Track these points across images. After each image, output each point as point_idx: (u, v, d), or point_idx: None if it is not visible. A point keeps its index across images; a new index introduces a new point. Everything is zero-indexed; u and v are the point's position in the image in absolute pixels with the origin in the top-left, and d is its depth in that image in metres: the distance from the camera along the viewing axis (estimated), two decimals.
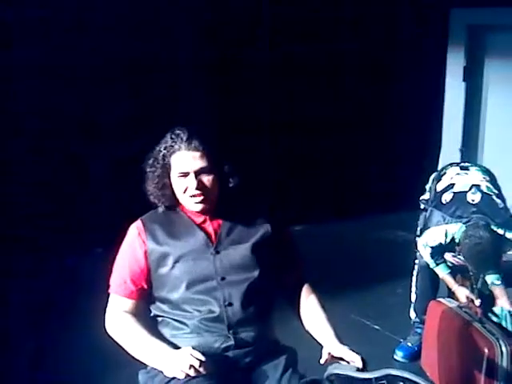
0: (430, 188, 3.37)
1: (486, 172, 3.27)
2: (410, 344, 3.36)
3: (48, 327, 3.46)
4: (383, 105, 5.71)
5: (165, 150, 1.94)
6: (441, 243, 3.02)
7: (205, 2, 5.12)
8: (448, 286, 3.18)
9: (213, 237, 1.98)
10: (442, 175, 3.31)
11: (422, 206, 3.43)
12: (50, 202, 4.49)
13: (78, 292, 3.72)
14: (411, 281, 3.37)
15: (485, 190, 3.06)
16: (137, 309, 1.98)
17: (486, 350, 2.71)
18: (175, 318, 1.93)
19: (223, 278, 1.93)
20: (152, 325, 1.99)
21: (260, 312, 1.97)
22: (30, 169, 4.48)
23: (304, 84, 5.48)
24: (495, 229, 2.90)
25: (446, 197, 3.15)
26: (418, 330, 3.32)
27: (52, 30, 4.45)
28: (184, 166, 1.92)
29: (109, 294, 2.02)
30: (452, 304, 3.03)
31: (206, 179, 1.93)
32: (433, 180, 3.39)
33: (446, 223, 3.03)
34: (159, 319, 1.98)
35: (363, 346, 3.46)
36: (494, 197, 3.05)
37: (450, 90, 5.37)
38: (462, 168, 3.31)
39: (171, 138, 1.94)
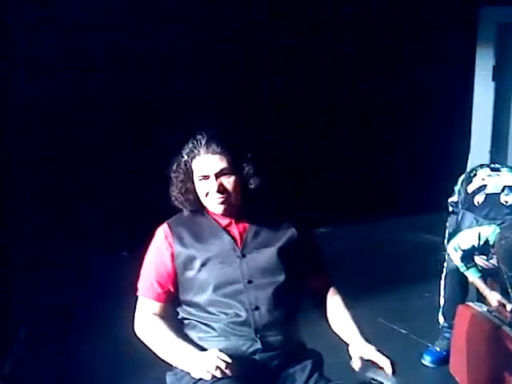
0: (459, 190, 3.32)
1: None
2: (438, 349, 3.31)
3: (73, 330, 3.48)
4: (412, 105, 5.65)
5: (186, 155, 1.97)
6: (473, 246, 2.97)
7: None
8: (478, 290, 3.13)
9: (238, 240, 1.99)
10: (473, 177, 3.25)
11: (451, 209, 3.39)
12: (75, 206, 4.53)
13: (103, 295, 3.74)
14: (439, 284, 3.32)
15: None
16: (165, 311, 1.99)
17: None
18: (202, 320, 1.94)
19: (250, 282, 1.93)
20: (179, 327, 2.00)
21: (286, 316, 1.97)
22: (48, 170, 4.51)
23: (313, 84, 5.46)
24: None
25: (479, 199, 3.10)
26: (447, 335, 3.27)
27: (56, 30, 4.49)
28: (204, 169, 1.94)
29: (137, 297, 2.03)
30: (481, 308, 2.97)
31: (227, 181, 1.94)
32: (462, 182, 3.34)
33: (480, 225, 2.99)
34: (186, 322, 1.99)
35: (390, 350, 3.41)
36: None
37: (479, 89, 5.30)
38: (492, 169, 3.26)
39: (192, 143, 1.97)
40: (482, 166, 3.39)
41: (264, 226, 2.01)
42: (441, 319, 3.34)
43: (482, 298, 3.12)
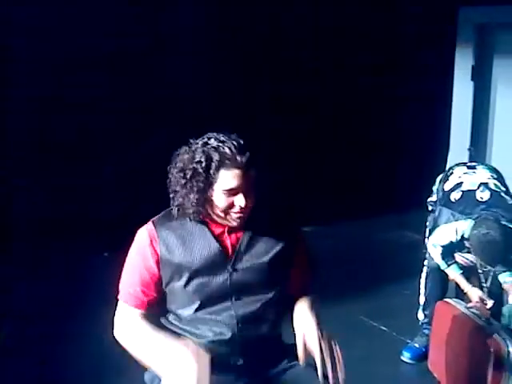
0: (437, 189, 3.37)
1: (493, 170, 3.28)
2: (417, 345, 3.35)
3: (56, 331, 3.46)
4: (390, 104, 5.70)
5: (210, 162, 1.79)
6: (451, 241, 3.02)
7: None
8: (458, 287, 3.17)
9: (230, 251, 1.87)
10: (450, 175, 3.31)
11: (430, 208, 3.43)
12: (57, 206, 4.51)
13: (84, 296, 3.73)
14: (419, 282, 3.36)
15: (493, 187, 3.09)
16: (146, 318, 1.88)
17: (493, 351, 2.71)
18: (185, 334, 1.86)
19: (238, 299, 1.86)
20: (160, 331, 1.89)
21: (272, 329, 1.93)
22: (35, 171, 4.50)
23: (309, 85, 5.49)
24: (506, 224, 2.89)
25: (455, 195, 3.16)
26: (426, 331, 3.31)
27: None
28: (234, 183, 1.79)
29: (117, 300, 1.94)
30: (459, 305, 3.02)
31: (251, 197, 1.83)
32: (440, 181, 3.39)
33: (456, 220, 3.04)
34: (170, 324, 1.92)
35: (371, 346, 3.48)
36: (503, 194, 3.07)
37: (459, 89, 5.35)
38: (468, 167, 3.32)
39: (219, 153, 1.78)
40: (458, 164, 3.45)
41: (258, 237, 1.90)
42: (421, 316, 3.38)
43: (461, 295, 3.16)
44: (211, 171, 1.79)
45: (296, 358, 1.86)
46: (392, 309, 3.94)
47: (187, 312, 1.86)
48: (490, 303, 2.95)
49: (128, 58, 4.81)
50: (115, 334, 1.92)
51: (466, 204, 3.07)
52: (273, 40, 5.46)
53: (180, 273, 1.84)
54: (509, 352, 2.70)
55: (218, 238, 1.87)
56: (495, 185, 3.10)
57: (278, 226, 1.94)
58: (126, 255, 1.97)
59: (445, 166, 4.74)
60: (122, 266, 1.98)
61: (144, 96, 4.85)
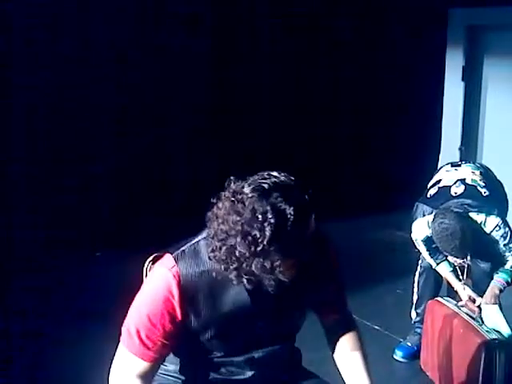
0: None
1: (480, 167, 3.30)
2: (409, 344, 3.38)
3: (49, 331, 3.47)
4: (382, 105, 5.74)
5: (282, 220, 1.43)
6: (427, 236, 3.04)
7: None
8: (450, 285, 3.20)
9: (264, 307, 1.63)
10: (435, 174, 3.36)
11: None
12: (49, 205, 4.51)
13: (77, 295, 3.73)
14: (413, 281, 3.39)
15: (469, 182, 3.11)
16: (151, 370, 1.65)
17: (484, 349, 2.73)
18: (201, 363, 1.73)
19: (262, 347, 1.71)
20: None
21: (289, 362, 1.83)
22: (30, 172, 4.50)
23: (304, 86, 5.52)
24: (475, 215, 2.94)
25: (431, 191, 3.22)
26: (418, 330, 3.34)
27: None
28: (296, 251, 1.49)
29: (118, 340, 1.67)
30: (451, 304, 3.04)
31: None
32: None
33: (429, 214, 3.07)
34: (179, 354, 1.75)
35: (363, 345, 3.47)
36: (479, 187, 3.08)
37: (449, 89, 5.38)
38: (452, 165, 3.37)
39: (288, 203, 1.44)
40: (447, 163, 3.49)
41: (295, 292, 1.65)
42: (413, 315, 3.40)
43: (453, 294, 3.19)
44: (288, 229, 1.43)
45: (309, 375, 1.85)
46: (384, 308, 3.96)
47: (204, 357, 1.69)
48: (478, 300, 2.98)
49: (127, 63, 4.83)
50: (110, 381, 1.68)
51: (441, 199, 3.11)
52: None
53: (206, 328, 1.62)
54: (499, 351, 2.74)
55: (250, 291, 1.59)
56: (473, 179, 3.12)
57: (316, 280, 1.71)
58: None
59: (436, 166, 4.76)
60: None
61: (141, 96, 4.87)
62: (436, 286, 3.31)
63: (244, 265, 1.47)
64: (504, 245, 2.96)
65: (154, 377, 1.68)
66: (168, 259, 1.61)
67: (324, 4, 5.50)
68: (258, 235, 1.42)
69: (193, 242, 1.63)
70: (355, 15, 5.58)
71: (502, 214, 3.02)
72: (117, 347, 1.67)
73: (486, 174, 3.25)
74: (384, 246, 5.00)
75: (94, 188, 4.70)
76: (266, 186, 1.46)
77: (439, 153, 5.50)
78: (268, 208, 1.42)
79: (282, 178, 1.50)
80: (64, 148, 4.63)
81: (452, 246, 2.87)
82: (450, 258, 3.12)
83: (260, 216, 1.42)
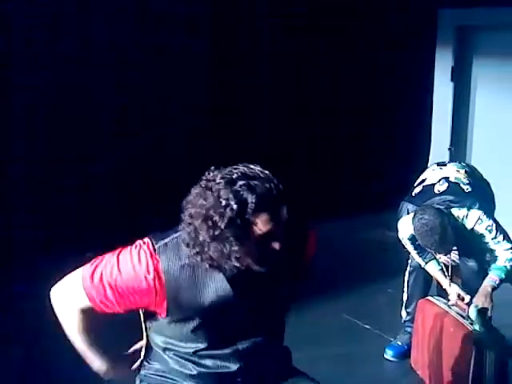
0: None
1: (465, 166, 3.33)
2: (399, 343, 3.39)
3: (45, 332, 3.45)
4: (372, 105, 5.76)
5: (243, 205, 1.50)
6: (412, 234, 3.06)
7: None
8: (439, 284, 3.21)
9: (246, 298, 1.67)
10: (421, 174, 3.38)
11: None
12: (44, 207, 4.49)
13: None
14: (403, 280, 3.40)
15: (453, 180, 3.14)
16: (90, 317, 1.71)
17: (474, 348, 2.75)
18: (185, 360, 1.74)
19: (245, 338, 1.73)
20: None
21: (275, 352, 1.85)
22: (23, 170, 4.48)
23: (300, 88, 5.54)
24: (457, 210, 2.96)
25: (416, 190, 3.26)
26: (408, 329, 3.35)
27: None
28: (272, 226, 1.54)
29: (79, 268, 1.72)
30: (441, 302, 3.06)
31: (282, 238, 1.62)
32: None
33: (413, 212, 3.09)
34: (165, 351, 1.77)
35: (354, 344, 3.51)
36: (462, 184, 3.11)
37: (439, 90, 5.40)
38: (438, 164, 3.40)
39: (251, 190, 1.51)
40: (434, 163, 3.52)
41: (276, 283, 1.69)
42: (403, 314, 3.42)
43: (442, 292, 3.20)
44: (247, 216, 1.51)
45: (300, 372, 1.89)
46: (375, 307, 3.98)
47: (190, 348, 1.72)
48: (467, 298, 3.00)
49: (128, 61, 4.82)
50: (53, 294, 1.75)
51: (423, 196, 3.14)
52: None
53: (190, 317, 1.65)
54: (489, 349, 2.75)
55: (233, 282, 1.63)
56: (456, 177, 3.15)
57: (293, 258, 1.72)
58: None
59: (426, 166, 4.79)
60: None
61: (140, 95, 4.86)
62: (426, 285, 3.33)
63: (205, 249, 1.54)
64: (492, 239, 2.98)
65: (90, 328, 1.72)
66: (149, 248, 1.63)
67: (322, 4, 5.52)
68: (218, 219, 1.50)
69: (176, 235, 1.65)
70: (345, 16, 5.60)
71: (485, 210, 3.01)
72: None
73: (472, 173, 3.27)
74: (376, 245, 5.01)
75: (94, 188, 4.69)
76: (234, 175, 1.54)
77: (429, 153, 5.53)
78: (231, 195, 1.50)
79: (254, 170, 1.56)
80: (64, 148, 4.61)
81: (432, 241, 2.89)
82: (438, 257, 3.14)
83: (223, 202, 1.50)
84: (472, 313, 2.85)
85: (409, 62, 5.47)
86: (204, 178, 1.58)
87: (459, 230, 2.95)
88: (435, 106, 5.47)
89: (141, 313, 1.79)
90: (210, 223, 1.52)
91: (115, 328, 1.94)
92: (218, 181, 1.54)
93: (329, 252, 4.88)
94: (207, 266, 1.58)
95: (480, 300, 2.94)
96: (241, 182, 1.52)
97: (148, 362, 1.83)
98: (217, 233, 1.52)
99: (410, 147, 5.65)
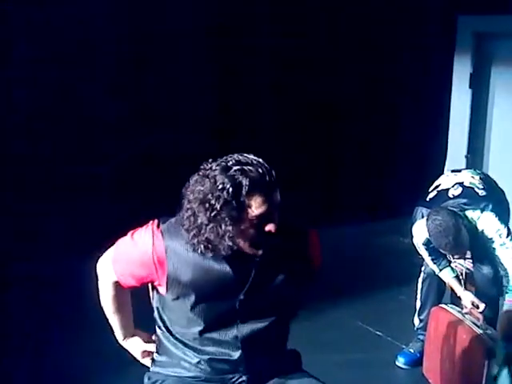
0: None
1: (480, 173, 3.32)
2: (412, 350, 3.37)
3: (48, 332, 3.47)
4: (389, 111, 5.74)
5: (239, 187, 1.63)
6: (427, 239, 3.04)
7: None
8: (453, 291, 3.19)
9: (243, 277, 1.74)
10: (436, 180, 3.37)
11: None
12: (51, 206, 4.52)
13: (77, 295, 3.73)
14: (416, 288, 3.38)
15: (467, 184, 3.13)
16: (122, 290, 1.92)
17: (488, 358, 2.73)
18: (189, 348, 1.82)
19: (244, 322, 1.79)
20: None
21: (279, 346, 1.90)
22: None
23: (308, 94, 5.54)
24: (471, 212, 2.95)
25: (430, 195, 3.25)
26: (421, 337, 3.33)
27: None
28: (267, 208, 1.65)
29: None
30: (454, 310, 3.04)
31: (277, 220, 1.72)
32: None
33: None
34: (170, 336, 1.85)
35: (366, 351, 3.50)
36: (476, 189, 3.10)
37: (457, 96, 5.37)
38: (453, 171, 3.40)
39: (245, 175, 1.64)
40: (449, 170, 3.51)
41: (271, 262, 1.76)
42: (416, 321, 3.40)
43: (456, 300, 3.19)
44: (242, 198, 1.63)
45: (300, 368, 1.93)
46: (387, 314, 3.96)
47: (191, 331, 1.80)
48: (481, 307, 2.98)
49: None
50: (98, 268, 1.93)
51: (438, 201, 3.14)
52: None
53: (187, 294, 1.75)
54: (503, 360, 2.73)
55: (231, 263, 1.73)
56: (471, 182, 3.14)
57: (291, 249, 1.81)
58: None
59: (442, 173, 4.76)
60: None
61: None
62: (439, 293, 3.31)
63: (202, 231, 1.67)
64: (500, 244, 2.94)
65: (118, 299, 1.93)
66: (156, 228, 1.78)
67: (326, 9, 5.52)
68: (214, 202, 1.64)
69: (180, 216, 1.77)
70: (368, 23, 5.58)
71: (499, 214, 2.99)
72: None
73: (486, 179, 3.26)
74: (389, 251, 4.99)
75: (95, 188, 4.70)
76: (229, 162, 1.68)
77: (445, 160, 5.50)
78: (226, 180, 1.64)
79: (247, 157, 1.70)
80: (64, 148, 4.62)
81: (446, 242, 2.87)
82: (453, 265, 3.12)
83: (219, 186, 1.64)
84: (499, 351, 2.79)
85: (427, 67, 5.45)
86: (202, 167, 1.72)
87: (473, 233, 2.94)
88: (452, 112, 5.44)
89: (151, 294, 1.91)
90: (207, 206, 1.65)
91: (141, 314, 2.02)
92: (214, 168, 1.68)
93: (342, 258, 4.87)
94: (203, 247, 1.69)
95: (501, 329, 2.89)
96: (235, 168, 1.65)
97: (157, 357, 1.94)
98: (213, 214, 1.64)
99: (426, 154, 5.62)
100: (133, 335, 2.03)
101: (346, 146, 5.83)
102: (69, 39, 4.56)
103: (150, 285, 1.90)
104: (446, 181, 3.26)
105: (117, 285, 1.89)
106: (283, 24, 5.41)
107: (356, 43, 5.61)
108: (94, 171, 4.71)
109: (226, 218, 1.64)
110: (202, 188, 1.67)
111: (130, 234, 1.85)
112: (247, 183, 1.63)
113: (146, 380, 1.95)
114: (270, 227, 1.67)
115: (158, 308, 1.89)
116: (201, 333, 1.79)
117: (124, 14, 4.80)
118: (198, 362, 1.81)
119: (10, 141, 4.42)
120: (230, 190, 1.63)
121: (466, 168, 3.60)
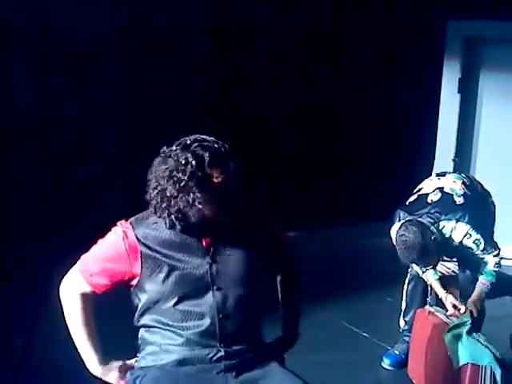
0: None
1: (464, 177, 3.30)
2: (397, 352, 3.39)
3: (36, 326, 3.47)
4: (378, 114, 5.77)
5: (202, 160, 1.83)
6: None
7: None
8: (436, 293, 3.22)
9: (209, 245, 1.93)
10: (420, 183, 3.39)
11: None
12: (48, 205, 4.52)
13: None
14: (402, 289, 3.41)
15: (447, 190, 3.14)
16: (93, 300, 1.98)
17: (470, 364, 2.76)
18: (168, 328, 1.92)
19: (219, 288, 1.91)
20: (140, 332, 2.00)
21: (252, 323, 1.99)
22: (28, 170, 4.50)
23: (303, 95, 5.56)
24: (446, 222, 2.97)
25: (411, 198, 3.27)
26: (406, 339, 3.35)
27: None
28: (227, 177, 1.86)
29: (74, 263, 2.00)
30: (439, 313, 3.06)
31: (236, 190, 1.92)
32: None
33: (403, 220, 3.11)
34: (151, 328, 1.96)
35: (351, 352, 3.52)
36: (455, 196, 3.11)
37: (445, 101, 5.41)
38: (437, 175, 3.42)
39: (204, 149, 1.85)
40: (435, 174, 3.52)
41: (235, 232, 1.97)
42: (401, 323, 3.43)
43: (441, 303, 3.21)
44: (205, 169, 1.83)
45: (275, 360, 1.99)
46: (374, 315, 3.99)
47: (168, 305, 1.90)
48: (462, 309, 3.00)
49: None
50: (61, 292, 2.00)
51: (416, 205, 3.16)
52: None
53: (159, 268, 1.90)
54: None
55: (198, 232, 1.92)
56: (452, 188, 3.15)
57: (253, 224, 2.03)
58: None
59: (430, 176, 4.79)
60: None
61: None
62: (424, 295, 3.32)
63: (172, 203, 1.84)
64: (481, 250, 3.00)
65: (91, 307, 1.97)
66: (124, 222, 1.96)
67: (325, 13, 5.54)
68: (181, 175, 1.82)
69: (146, 211, 1.96)
70: (358, 25, 5.62)
71: (475, 224, 3.01)
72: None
73: (470, 184, 3.26)
74: (377, 253, 5.00)
75: (95, 187, 4.70)
76: (188, 141, 1.88)
77: (433, 163, 5.54)
78: (189, 154, 1.84)
79: (202, 136, 1.90)
80: (64, 148, 4.62)
81: (410, 258, 2.95)
82: (438, 267, 3.15)
83: (183, 161, 1.83)
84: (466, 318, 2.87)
85: (416, 72, 5.48)
86: (161, 151, 1.91)
87: (447, 244, 2.98)
88: (441, 116, 5.48)
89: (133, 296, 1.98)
90: (175, 179, 1.84)
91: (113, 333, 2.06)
92: (174, 148, 1.88)
93: (329, 259, 4.90)
94: (173, 218, 1.87)
95: (472, 307, 2.96)
96: (195, 144, 1.86)
97: (139, 355, 2.00)
98: (182, 184, 1.83)
99: (414, 157, 5.65)
100: (105, 363, 2.00)
101: (335, 148, 5.86)
102: (69, 38, 4.56)
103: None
104: (427, 185, 3.27)
105: (83, 296, 1.96)
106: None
107: (347, 47, 5.65)
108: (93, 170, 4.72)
109: (194, 187, 1.82)
110: (166, 166, 1.85)
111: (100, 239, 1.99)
112: (208, 155, 1.83)
113: (128, 376, 1.99)
114: (230, 195, 1.87)
115: (139, 315, 1.97)
116: (177, 303, 1.89)
117: (125, 16, 4.81)
118: (182, 343, 1.89)
119: (9, 141, 4.42)
120: (194, 162, 1.82)
121: (453, 172, 3.60)
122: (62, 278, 2.01)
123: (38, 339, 3.38)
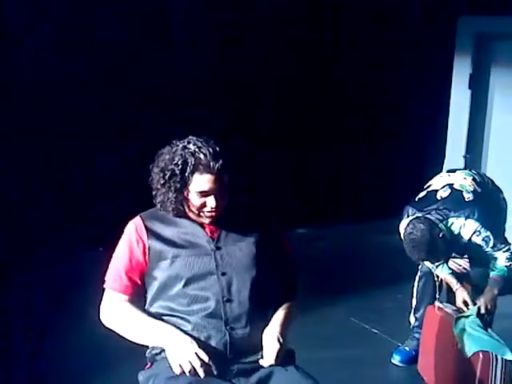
0: None
1: (475, 174, 3.28)
2: (407, 348, 3.39)
3: (47, 326, 3.48)
4: (389, 111, 5.76)
5: (186, 165, 1.98)
6: None
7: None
8: (448, 290, 3.21)
9: (214, 234, 2.06)
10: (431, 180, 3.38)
11: None
12: (54, 201, 4.54)
13: (78, 290, 3.75)
14: (413, 286, 3.41)
15: (457, 187, 3.12)
16: (132, 302, 2.05)
17: (481, 356, 2.76)
18: (176, 314, 1.98)
19: (224, 274, 2.00)
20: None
21: (257, 308, 2.02)
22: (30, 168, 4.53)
23: (309, 96, 5.56)
24: (455, 219, 2.95)
25: (420, 194, 3.25)
26: (416, 335, 3.35)
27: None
28: (206, 186, 1.98)
29: (104, 289, 2.10)
30: (449, 309, 3.06)
31: (223, 199, 2.02)
32: None
33: (412, 216, 3.09)
34: (160, 317, 2.01)
35: (362, 349, 3.53)
36: (465, 192, 3.09)
37: (456, 97, 5.38)
38: (448, 171, 3.40)
39: (193, 156, 1.98)
40: (446, 170, 3.51)
41: (238, 224, 2.08)
42: (412, 320, 3.42)
43: (451, 299, 3.20)
44: (186, 174, 1.98)
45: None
46: (384, 312, 3.99)
47: (175, 291, 1.98)
48: (471, 306, 2.99)
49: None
50: (102, 319, 2.08)
51: (425, 201, 3.14)
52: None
53: (165, 254, 2.01)
54: (496, 358, 2.75)
55: (201, 225, 2.06)
56: (461, 185, 3.13)
57: (256, 214, 2.16)
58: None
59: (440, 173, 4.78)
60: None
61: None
62: (435, 292, 3.31)
63: (157, 193, 2.03)
64: (491, 247, 2.98)
65: (135, 308, 2.03)
66: (137, 218, 2.09)
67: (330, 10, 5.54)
68: (166, 172, 1.99)
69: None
70: (363, 21, 5.61)
71: (484, 221, 2.99)
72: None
73: (481, 181, 3.24)
74: (386, 250, 5.00)
75: (95, 187, 4.72)
76: (187, 143, 2.02)
77: (444, 160, 5.52)
78: (179, 156, 1.99)
79: (202, 141, 2.01)
80: (64, 147, 4.64)
81: (417, 256, 2.94)
82: (449, 264, 3.14)
83: (174, 160, 1.99)
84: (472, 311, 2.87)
85: (427, 68, 5.46)
86: (173, 141, 2.06)
87: (457, 241, 2.97)
88: (452, 113, 5.45)
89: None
90: (161, 174, 2.01)
91: None
92: (177, 144, 2.04)
93: (339, 256, 4.91)
94: (170, 208, 2.03)
95: (484, 303, 2.95)
96: (191, 145, 2.00)
97: (150, 351, 2.04)
98: (162, 182, 2.01)
99: (424, 154, 5.64)
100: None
101: (344, 144, 5.85)
102: (70, 38, 4.58)
103: None
104: (437, 181, 3.25)
105: (123, 305, 2.03)
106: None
107: (356, 42, 5.63)
108: (93, 170, 4.74)
109: (172, 188, 1.99)
110: (163, 159, 2.03)
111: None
112: (192, 162, 1.97)
113: (140, 378, 2.01)
114: (210, 203, 1.99)
115: (149, 305, 2.05)
116: (185, 285, 1.97)
117: (126, 16, 4.82)
118: (191, 329, 1.94)
119: (9, 141, 4.44)
120: (180, 165, 1.97)
121: (463, 168, 3.58)
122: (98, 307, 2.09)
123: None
